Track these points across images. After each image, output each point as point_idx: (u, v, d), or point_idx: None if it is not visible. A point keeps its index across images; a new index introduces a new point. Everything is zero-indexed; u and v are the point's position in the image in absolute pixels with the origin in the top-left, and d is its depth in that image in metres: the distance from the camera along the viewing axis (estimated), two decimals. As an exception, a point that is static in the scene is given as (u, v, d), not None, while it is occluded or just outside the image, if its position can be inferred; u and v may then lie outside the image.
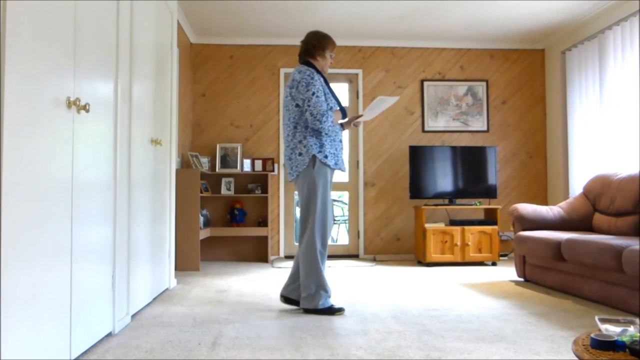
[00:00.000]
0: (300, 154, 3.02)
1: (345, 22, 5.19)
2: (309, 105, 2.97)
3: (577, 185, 5.27)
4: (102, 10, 2.39)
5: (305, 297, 3.02)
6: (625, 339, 1.58)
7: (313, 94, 2.97)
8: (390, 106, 3.27)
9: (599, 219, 4.07)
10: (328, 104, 3.03)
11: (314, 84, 2.99)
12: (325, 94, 3.04)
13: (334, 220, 3.32)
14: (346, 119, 3.21)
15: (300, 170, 3.02)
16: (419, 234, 5.37)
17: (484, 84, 5.92)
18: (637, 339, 1.57)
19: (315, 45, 3.14)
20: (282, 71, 5.77)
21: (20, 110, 1.65)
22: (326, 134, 3.02)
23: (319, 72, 3.12)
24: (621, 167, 4.51)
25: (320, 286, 3.00)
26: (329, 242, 3.20)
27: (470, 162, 5.47)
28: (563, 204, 4.35)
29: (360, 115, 3.21)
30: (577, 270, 3.46)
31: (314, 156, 3.00)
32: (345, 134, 5.34)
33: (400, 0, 4.70)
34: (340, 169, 3.11)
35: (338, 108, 3.10)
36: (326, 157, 3.00)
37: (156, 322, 2.80)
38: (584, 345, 1.63)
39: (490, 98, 5.93)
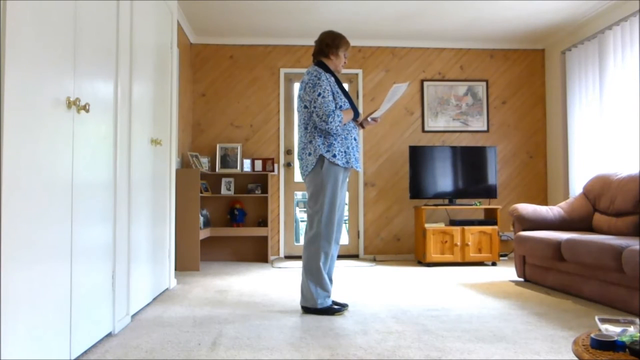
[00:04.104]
0: (309, 154, 3.05)
1: (345, 22, 5.19)
2: (314, 107, 2.99)
3: (577, 185, 5.27)
4: (102, 10, 2.39)
5: (305, 296, 3.04)
6: (625, 339, 1.58)
7: (319, 94, 2.98)
8: (403, 93, 3.28)
9: (599, 219, 4.07)
10: (337, 103, 3.03)
11: (320, 84, 3.00)
12: (334, 94, 3.04)
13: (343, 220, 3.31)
14: (360, 118, 3.21)
15: (310, 170, 3.05)
16: (419, 234, 5.37)
17: (484, 84, 5.92)
18: (637, 339, 1.57)
19: (329, 44, 3.15)
20: (282, 71, 5.77)
21: (20, 111, 1.65)
22: (335, 133, 3.01)
23: (330, 71, 3.12)
24: (621, 167, 4.51)
25: (320, 285, 3.01)
26: (340, 243, 3.22)
27: (470, 162, 5.47)
28: (563, 204, 4.35)
29: (374, 111, 3.22)
30: (577, 270, 3.46)
31: (321, 156, 3.01)
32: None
33: (400, 0, 4.70)
34: (352, 167, 3.09)
35: (348, 107, 3.09)
36: (334, 156, 3.00)
37: (156, 322, 2.80)
38: (584, 345, 1.63)
39: (490, 98, 5.93)
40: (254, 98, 5.75)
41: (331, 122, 2.96)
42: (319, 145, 3.01)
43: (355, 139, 3.13)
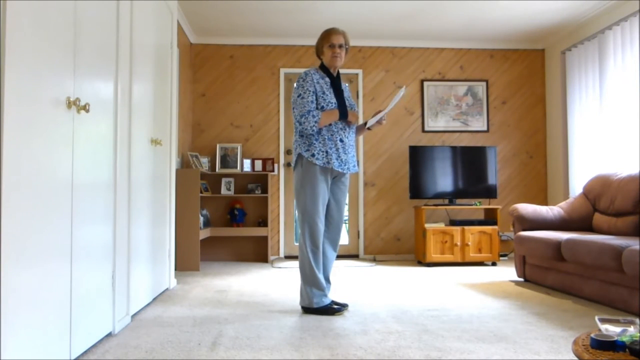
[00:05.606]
0: (294, 153, 3.11)
1: (345, 22, 5.19)
2: (294, 108, 3.06)
3: (577, 185, 5.27)
4: (102, 10, 2.39)
5: (302, 296, 3.06)
6: (625, 339, 1.58)
7: (299, 95, 3.03)
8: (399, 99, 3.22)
9: (599, 219, 4.07)
10: (319, 104, 3.03)
11: (304, 85, 3.04)
12: (318, 94, 3.04)
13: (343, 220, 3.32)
14: (352, 119, 3.14)
15: (294, 168, 3.11)
16: (419, 234, 5.36)
17: (484, 84, 5.92)
18: (637, 339, 1.57)
19: (317, 45, 3.21)
20: (282, 71, 5.77)
21: (20, 111, 1.65)
22: (310, 134, 3.01)
23: (327, 69, 3.14)
24: (621, 167, 4.51)
25: (313, 284, 3.02)
26: (340, 243, 3.24)
27: (470, 162, 5.47)
28: (563, 204, 4.35)
29: (378, 111, 3.17)
30: (577, 270, 3.46)
31: (300, 155, 3.05)
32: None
33: (400, 0, 4.70)
34: (334, 168, 3.03)
35: (333, 108, 3.05)
36: (313, 155, 3.01)
37: (156, 322, 2.80)
38: (584, 345, 1.63)
39: (490, 98, 5.93)
40: (254, 98, 5.75)
41: (304, 123, 2.98)
42: (299, 145, 3.07)
43: (341, 141, 3.08)
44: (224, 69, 5.75)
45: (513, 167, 5.91)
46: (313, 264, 3.02)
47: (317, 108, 3.03)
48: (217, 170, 5.53)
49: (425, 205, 5.35)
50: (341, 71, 5.70)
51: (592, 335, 1.63)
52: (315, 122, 2.98)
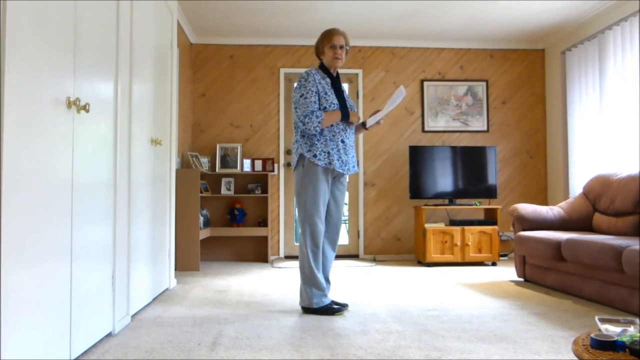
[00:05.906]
0: (295, 153, 3.10)
1: (345, 22, 5.19)
2: (296, 108, 3.04)
3: (577, 185, 5.27)
4: (102, 10, 2.39)
5: (302, 296, 3.06)
6: (625, 339, 1.58)
7: (301, 95, 3.02)
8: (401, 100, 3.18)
9: (599, 219, 4.07)
10: (321, 104, 3.03)
11: (306, 85, 3.03)
12: (320, 94, 3.03)
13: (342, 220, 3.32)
14: (353, 119, 3.13)
15: (294, 168, 3.10)
16: (419, 234, 5.36)
17: (484, 84, 5.92)
18: (637, 339, 1.57)
19: (317, 45, 3.20)
20: (282, 71, 5.77)
21: (20, 111, 1.65)
22: (313, 134, 3.01)
23: (327, 70, 3.13)
24: (621, 167, 4.51)
25: (313, 284, 3.02)
26: (340, 243, 3.23)
27: (470, 162, 5.47)
28: (563, 204, 4.35)
29: (377, 111, 3.18)
30: (577, 270, 3.46)
31: (301, 155, 3.04)
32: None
33: (400, 0, 4.70)
34: (335, 169, 3.02)
35: (335, 108, 3.05)
36: (315, 156, 3.00)
37: (156, 322, 2.80)
38: (584, 345, 1.63)
39: (490, 98, 5.93)
40: (254, 98, 5.75)
41: (308, 123, 2.97)
42: (301, 145, 3.05)
43: (343, 142, 3.08)
44: (224, 69, 5.75)
45: (513, 167, 5.91)
46: (313, 264, 3.02)
47: (319, 108, 3.03)
48: (217, 170, 5.53)
49: (425, 205, 5.35)
50: (341, 71, 5.73)
51: (592, 335, 1.63)
52: (319, 122, 2.98)
